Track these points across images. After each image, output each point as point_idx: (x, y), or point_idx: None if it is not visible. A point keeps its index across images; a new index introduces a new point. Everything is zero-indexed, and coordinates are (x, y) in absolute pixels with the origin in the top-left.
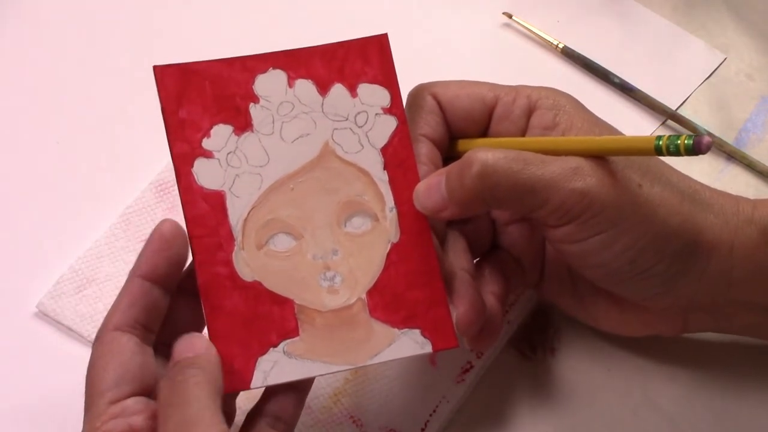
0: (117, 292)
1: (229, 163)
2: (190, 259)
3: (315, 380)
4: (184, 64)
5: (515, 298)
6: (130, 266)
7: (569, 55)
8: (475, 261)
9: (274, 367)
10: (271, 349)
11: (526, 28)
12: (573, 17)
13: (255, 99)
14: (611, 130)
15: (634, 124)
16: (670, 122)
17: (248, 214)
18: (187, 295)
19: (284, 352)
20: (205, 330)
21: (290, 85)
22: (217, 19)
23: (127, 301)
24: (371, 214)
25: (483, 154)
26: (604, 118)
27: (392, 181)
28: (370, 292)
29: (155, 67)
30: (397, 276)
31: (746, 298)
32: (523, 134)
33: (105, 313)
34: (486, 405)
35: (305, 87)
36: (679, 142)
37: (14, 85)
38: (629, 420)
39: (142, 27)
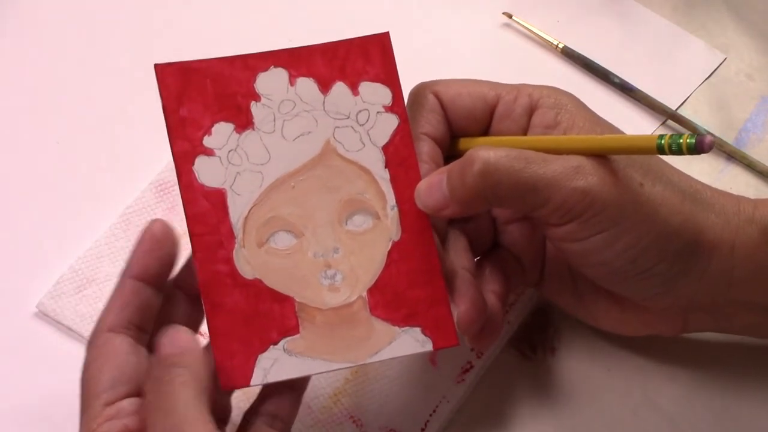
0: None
1: (230, 161)
2: (183, 258)
3: (315, 380)
4: (186, 62)
5: (515, 298)
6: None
7: (569, 55)
8: (475, 260)
9: (275, 365)
10: (272, 346)
11: (526, 28)
12: (573, 17)
13: (256, 97)
14: (612, 129)
15: (634, 124)
16: (670, 122)
17: (249, 212)
18: (182, 294)
19: (284, 350)
20: (200, 328)
21: (291, 83)
22: (217, 19)
23: (119, 302)
24: (372, 213)
25: (485, 152)
26: (604, 118)
27: (393, 180)
28: (371, 290)
29: (156, 66)
30: (398, 274)
31: (747, 298)
32: (524, 133)
33: None
34: (486, 405)
35: (307, 85)
36: (681, 141)
37: (14, 85)
38: (629, 420)
39: (143, 27)
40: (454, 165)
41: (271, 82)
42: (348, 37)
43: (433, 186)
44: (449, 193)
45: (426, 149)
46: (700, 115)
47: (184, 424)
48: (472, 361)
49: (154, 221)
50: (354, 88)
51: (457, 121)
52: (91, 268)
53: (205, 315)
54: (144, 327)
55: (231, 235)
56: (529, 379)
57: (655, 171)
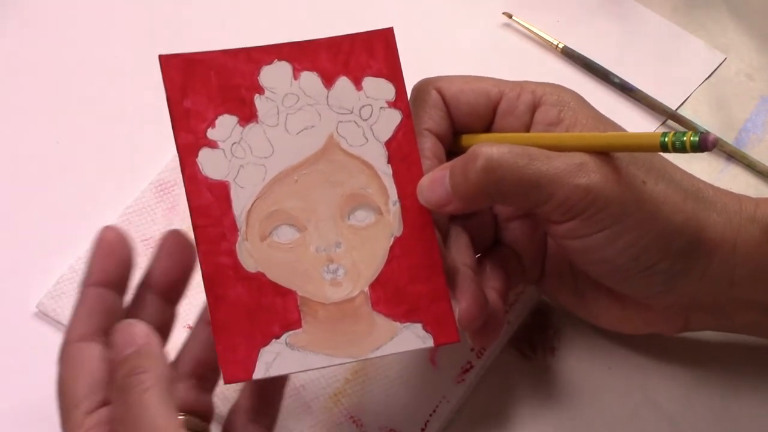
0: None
1: (234, 153)
2: (145, 260)
3: (315, 380)
4: (190, 54)
5: (515, 298)
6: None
7: (569, 55)
8: (476, 256)
9: (277, 359)
10: (274, 340)
11: (526, 28)
12: (573, 17)
13: (260, 90)
14: (615, 126)
15: (635, 124)
16: (670, 122)
17: (252, 205)
18: (151, 294)
19: (287, 344)
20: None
21: (295, 77)
22: (217, 18)
23: (84, 310)
24: (375, 208)
25: (488, 148)
26: (607, 116)
27: (396, 175)
28: (373, 286)
29: (161, 57)
30: (399, 270)
31: (748, 297)
32: (527, 130)
33: None
34: (486, 405)
35: (310, 79)
36: (685, 138)
37: (14, 85)
38: (629, 419)
39: (143, 26)
40: (457, 161)
41: (275, 75)
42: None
43: (436, 182)
44: (452, 189)
45: (428, 145)
46: (700, 115)
47: None
48: (472, 361)
49: (105, 228)
50: (357, 82)
51: (459, 118)
52: None
53: (208, 307)
54: None
55: (234, 228)
56: (529, 379)
57: (657, 169)
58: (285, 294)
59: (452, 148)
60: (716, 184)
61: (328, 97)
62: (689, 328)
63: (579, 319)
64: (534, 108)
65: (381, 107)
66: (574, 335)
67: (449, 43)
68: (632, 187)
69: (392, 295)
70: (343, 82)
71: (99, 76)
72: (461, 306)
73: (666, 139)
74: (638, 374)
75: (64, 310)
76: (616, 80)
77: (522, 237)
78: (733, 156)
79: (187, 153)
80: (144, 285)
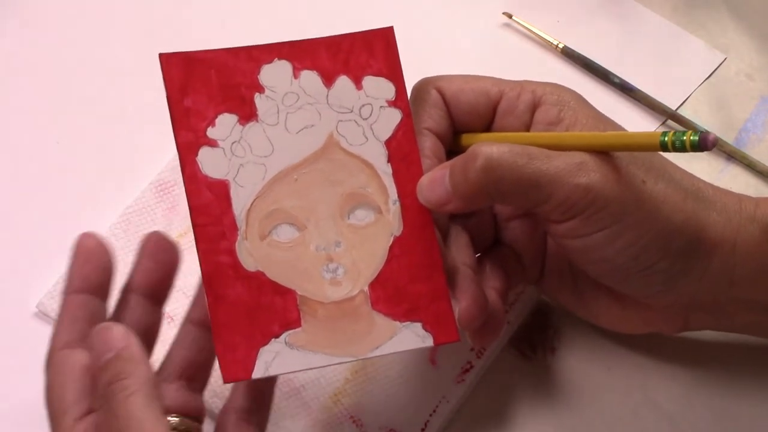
0: (116, 292)
1: (234, 152)
2: (127, 263)
3: (315, 380)
4: (190, 52)
5: (515, 298)
6: (130, 266)
7: (569, 55)
8: (476, 256)
9: (276, 358)
10: (273, 339)
11: (526, 28)
12: (573, 17)
13: (260, 89)
14: (615, 126)
15: (634, 125)
16: (670, 122)
17: (252, 204)
18: (136, 296)
19: (286, 343)
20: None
21: (295, 76)
22: (217, 17)
23: (68, 318)
24: (374, 207)
25: (488, 147)
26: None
27: (396, 174)
28: (373, 285)
29: (161, 55)
30: (399, 269)
31: (748, 297)
32: (527, 129)
33: None
34: (486, 405)
35: (310, 78)
36: (684, 138)
37: (14, 85)
38: (629, 419)
39: (143, 26)
40: (457, 160)
41: (275, 74)
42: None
43: (436, 181)
44: (452, 189)
45: (428, 144)
46: (700, 115)
47: None
48: (472, 361)
49: (83, 235)
50: (357, 82)
51: (459, 117)
52: None
53: (207, 306)
54: None
55: (234, 227)
56: (529, 379)
57: (657, 168)
58: (284, 293)
59: (452, 148)
60: (716, 184)
61: (328, 96)
62: (689, 327)
63: (579, 319)
64: (534, 107)
65: (381, 106)
66: (574, 335)
67: (449, 43)
68: (632, 186)
69: (392, 294)
70: (343, 81)
71: (99, 76)
72: (461, 305)
73: (666, 139)
74: (638, 374)
75: None
76: (616, 80)
77: (522, 236)
78: (733, 156)
79: (187, 152)
80: (128, 287)
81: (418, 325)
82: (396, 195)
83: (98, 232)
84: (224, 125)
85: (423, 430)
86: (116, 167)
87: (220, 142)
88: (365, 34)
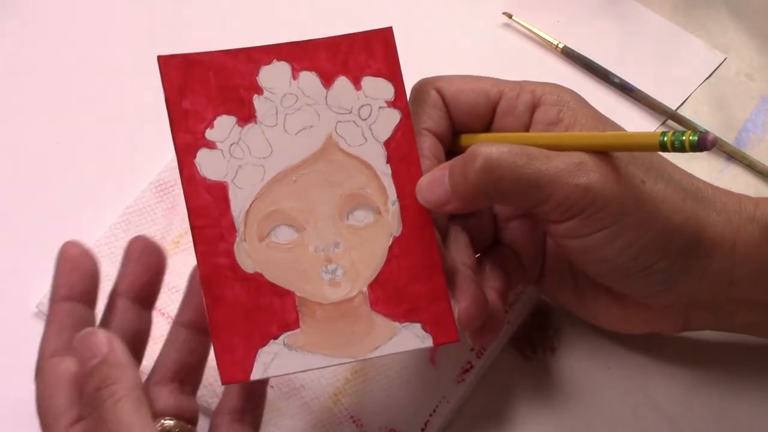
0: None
1: (232, 154)
2: (113, 268)
3: (315, 380)
4: (188, 54)
5: (515, 297)
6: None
7: (569, 55)
8: (476, 256)
9: (275, 359)
10: (272, 341)
11: (526, 28)
12: (573, 17)
13: (259, 90)
14: (615, 126)
15: (634, 125)
16: (670, 122)
17: (250, 205)
18: (124, 300)
19: (285, 344)
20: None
21: (294, 77)
22: (217, 17)
23: (55, 326)
24: (374, 208)
25: (487, 148)
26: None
27: (395, 175)
28: (372, 286)
29: (159, 57)
30: (398, 269)
31: (747, 296)
32: (526, 129)
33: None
34: (486, 405)
35: (309, 79)
36: (684, 138)
37: (14, 85)
38: (629, 419)
39: (143, 26)
40: (456, 161)
41: (273, 75)
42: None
43: (435, 181)
44: (451, 189)
45: (428, 145)
46: (700, 115)
47: None
48: (472, 361)
49: (67, 243)
50: (356, 82)
51: (459, 117)
52: None
53: (205, 308)
54: None
55: (232, 229)
56: (529, 379)
57: (657, 168)
58: (283, 294)
59: (451, 148)
60: (716, 184)
61: (326, 96)
62: (689, 327)
63: (579, 319)
64: (533, 108)
65: (380, 107)
66: (574, 335)
67: (449, 43)
68: (631, 186)
69: (391, 295)
70: (342, 82)
71: (99, 76)
72: (461, 306)
73: (665, 139)
74: (638, 374)
75: None
76: (616, 80)
77: (521, 236)
78: (733, 156)
79: (185, 154)
80: (115, 292)
81: (418, 325)
82: (395, 195)
83: (82, 241)
84: (223, 127)
85: (423, 430)
86: (116, 167)
87: (218, 144)
88: (364, 35)
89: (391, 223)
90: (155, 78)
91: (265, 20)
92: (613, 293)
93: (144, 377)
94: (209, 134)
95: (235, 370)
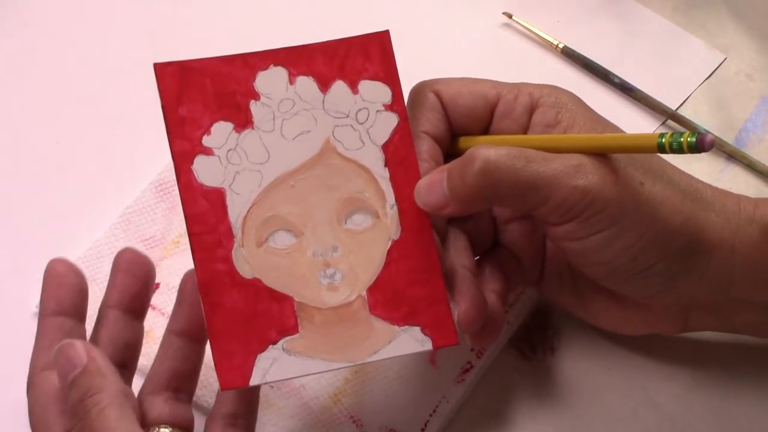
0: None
1: (230, 160)
2: (101, 282)
3: (315, 380)
4: (185, 61)
5: (515, 297)
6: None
7: (569, 55)
8: (475, 259)
9: (274, 365)
10: (271, 346)
11: (526, 28)
12: (573, 17)
13: (256, 96)
14: (613, 127)
15: (634, 124)
16: (670, 122)
17: (248, 211)
18: (115, 312)
19: (283, 350)
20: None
21: (291, 82)
22: (217, 18)
23: (45, 340)
24: (372, 211)
25: (485, 150)
26: (604, 117)
27: (393, 178)
28: (371, 290)
29: (156, 65)
30: (397, 273)
31: (747, 297)
32: (525, 132)
33: None
34: (486, 405)
35: (306, 84)
36: (682, 139)
37: (14, 85)
38: (629, 419)
39: (143, 26)
40: (455, 163)
41: (270, 80)
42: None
43: (434, 184)
44: (449, 192)
45: (426, 148)
46: (700, 115)
47: None
48: (472, 361)
49: (53, 261)
50: (354, 86)
51: (457, 120)
52: (91, 268)
53: (204, 314)
54: None
55: (230, 235)
56: (529, 379)
57: (655, 170)
58: (281, 299)
59: (450, 151)
60: (716, 184)
61: (324, 101)
62: (689, 328)
63: (579, 320)
64: (531, 110)
65: (377, 110)
66: (574, 335)
67: (449, 44)
68: (630, 188)
69: (390, 298)
70: (339, 86)
71: (99, 76)
72: (460, 308)
73: (663, 140)
74: (638, 374)
75: None
76: (616, 80)
77: (521, 239)
78: (733, 156)
79: (182, 160)
80: (106, 304)
81: (417, 329)
82: (393, 199)
83: (67, 258)
84: (220, 133)
85: (423, 430)
86: (116, 167)
87: (215, 150)
88: (361, 39)
89: (390, 226)
90: (155, 78)
91: (266, 19)
92: (614, 295)
93: (140, 376)
94: (206, 141)
95: (234, 376)
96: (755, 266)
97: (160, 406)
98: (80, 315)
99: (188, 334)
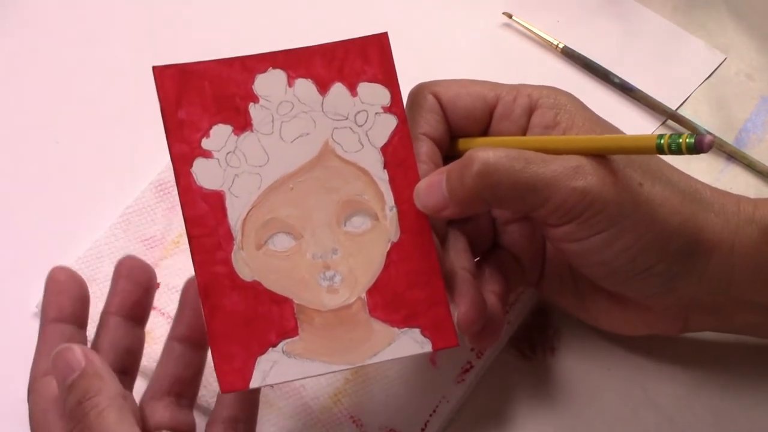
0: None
1: (229, 163)
2: (103, 288)
3: (315, 380)
4: (184, 64)
5: (515, 298)
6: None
7: (569, 55)
8: (475, 260)
9: (274, 367)
10: (270, 348)
11: (526, 28)
12: (573, 17)
13: (254, 99)
14: (612, 128)
15: (634, 124)
16: (670, 122)
17: (248, 213)
18: (116, 318)
19: (283, 352)
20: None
21: (290, 84)
22: (216, 20)
23: (46, 347)
24: (371, 214)
25: (484, 152)
26: (603, 118)
27: (392, 180)
28: (370, 292)
29: (154, 68)
30: (397, 275)
31: (747, 298)
32: (524, 133)
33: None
34: (486, 405)
35: (305, 86)
36: (680, 140)
37: (14, 85)
38: (629, 419)
39: (142, 27)
40: (454, 165)
41: (269, 83)
42: (346, 38)
43: (433, 186)
44: (448, 194)
45: (425, 149)
46: (700, 115)
47: None
48: (472, 361)
49: (54, 269)
50: (352, 88)
51: (456, 122)
52: (91, 268)
53: (204, 317)
54: None
55: (229, 237)
56: (529, 379)
57: (654, 171)
58: (281, 302)
59: (449, 152)
60: (716, 184)
61: (322, 103)
62: (689, 328)
63: (579, 320)
64: (530, 111)
65: (376, 113)
66: (574, 335)
67: (449, 44)
68: (629, 189)
69: (390, 300)
70: (338, 89)
71: (99, 76)
72: (460, 310)
73: (662, 142)
74: (638, 374)
75: None
76: (616, 80)
77: (521, 240)
78: (733, 156)
79: (181, 163)
80: (107, 310)
81: (417, 330)
82: (393, 201)
83: (68, 266)
84: (219, 136)
85: (423, 430)
86: (116, 167)
87: (214, 153)
88: (359, 41)
89: (389, 228)
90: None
91: (266, 19)
92: (614, 296)
93: (141, 377)
94: (205, 143)
95: (235, 379)
96: (755, 267)
97: (161, 411)
98: (81, 321)
99: (190, 340)
